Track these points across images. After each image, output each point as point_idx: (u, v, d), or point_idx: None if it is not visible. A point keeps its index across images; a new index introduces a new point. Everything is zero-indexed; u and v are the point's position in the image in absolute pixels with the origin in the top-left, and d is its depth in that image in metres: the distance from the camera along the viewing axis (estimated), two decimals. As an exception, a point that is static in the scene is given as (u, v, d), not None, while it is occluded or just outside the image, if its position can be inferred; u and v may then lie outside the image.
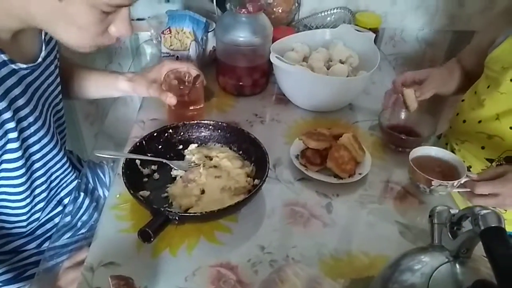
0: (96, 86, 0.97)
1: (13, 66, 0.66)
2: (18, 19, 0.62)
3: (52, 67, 0.80)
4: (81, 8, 0.56)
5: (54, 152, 0.81)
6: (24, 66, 0.69)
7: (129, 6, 0.63)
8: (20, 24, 0.64)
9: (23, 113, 0.70)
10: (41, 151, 0.77)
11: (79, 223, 0.94)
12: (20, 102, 0.69)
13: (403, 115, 1.01)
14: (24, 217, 0.81)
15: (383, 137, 1.00)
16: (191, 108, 0.99)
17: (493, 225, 0.47)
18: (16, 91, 0.68)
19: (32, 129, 0.73)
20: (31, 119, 0.72)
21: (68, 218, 0.90)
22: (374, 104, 1.03)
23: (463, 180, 0.82)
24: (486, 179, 0.79)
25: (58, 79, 0.83)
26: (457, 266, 0.54)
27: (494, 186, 0.77)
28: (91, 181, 1.03)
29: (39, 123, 0.74)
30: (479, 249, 0.50)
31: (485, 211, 0.48)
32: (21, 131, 0.70)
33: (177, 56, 1.14)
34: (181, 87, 0.97)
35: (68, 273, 0.75)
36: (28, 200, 0.79)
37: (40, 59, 0.73)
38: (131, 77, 0.94)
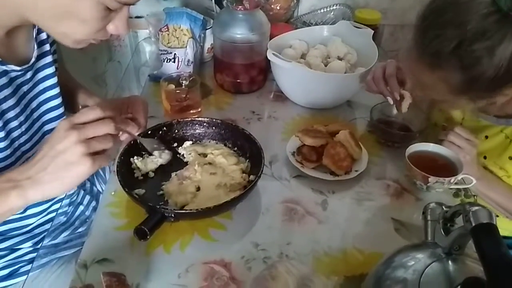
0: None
1: (3, 67, 0.66)
2: (15, 13, 0.61)
3: (48, 70, 0.78)
4: (87, 3, 0.57)
5: None
6: (17, 68, 0.69)
7: (130, 5, 0.63)
8: (16, 19, 0.63)
9: (13, 112, 0.70)
10: (32, 149, 0.76)
11: (77, 222, 0.94)
12: (10, 102, 0.69)
13: (394, 110, 1.00)
14: (16, 216, 0.80)
15: (375, 133, 1.00)
16: (191, 112, 0.99)
17: (484, 222, 0.46)
18: (6, 91, 0.68)
19: (24, 127, 0.73)
20: (22, 118, 0.72)
21: (64, 217, 0.90)
22: (372, 101, 1.03)
23: (460, 176, 0.81)
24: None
25: (56, 84, 0.80)
26: (449, 263, 0.53)
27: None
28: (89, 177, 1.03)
29: (29, 121, 0.75)
30: (473, 246, 0.49)
31: (476, 208, 0.48)
32: (10, 131, 0.71)
33: (175, 54, 1.14)
34: (178, 91, 0.97)
35: None
36: None
37: (32, 60, 0.73)
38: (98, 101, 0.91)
